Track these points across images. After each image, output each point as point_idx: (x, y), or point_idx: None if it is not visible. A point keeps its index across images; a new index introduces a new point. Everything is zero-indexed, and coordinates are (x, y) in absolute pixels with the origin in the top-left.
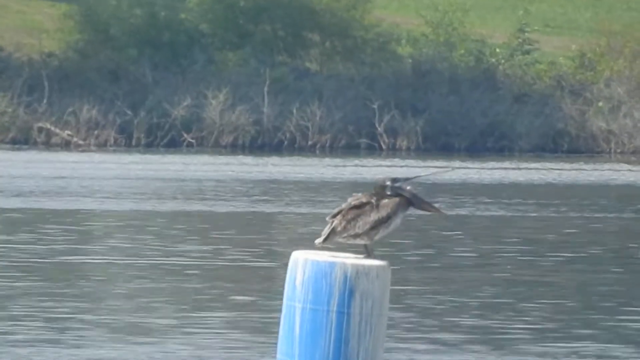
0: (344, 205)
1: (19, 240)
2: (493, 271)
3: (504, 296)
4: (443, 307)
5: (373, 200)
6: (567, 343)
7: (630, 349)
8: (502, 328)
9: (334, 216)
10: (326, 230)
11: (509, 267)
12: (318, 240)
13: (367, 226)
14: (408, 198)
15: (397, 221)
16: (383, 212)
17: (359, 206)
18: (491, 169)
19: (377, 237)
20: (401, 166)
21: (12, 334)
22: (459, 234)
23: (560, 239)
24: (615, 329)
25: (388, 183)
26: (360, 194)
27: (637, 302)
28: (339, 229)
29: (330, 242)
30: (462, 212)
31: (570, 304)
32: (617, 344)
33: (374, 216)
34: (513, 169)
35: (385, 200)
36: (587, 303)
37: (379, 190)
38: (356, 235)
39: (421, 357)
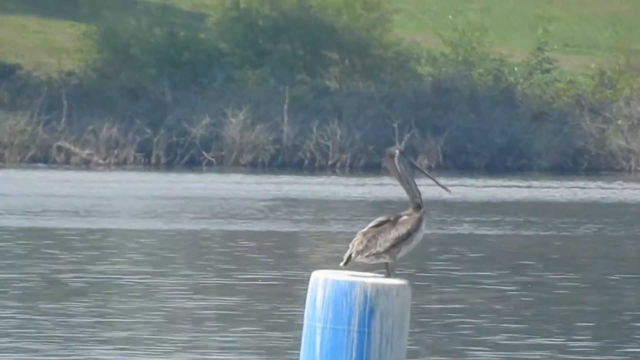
0: (363, 229)
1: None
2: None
3: (525, 314)
4: (467, 326)
5: (392, 218)
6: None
7: None
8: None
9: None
10: (348, 251)
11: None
12: (341, 264)
13: (388, 244)
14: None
15: (418, 237)
16: (403, 229)
17: (378, 225)
18: (509, 186)
19: (400, 255)
20: (420, 185)
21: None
22: (479, 254)
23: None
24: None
25: (397, 151)
26: (379, 217)
27: None
28: (360, 248)
29: (353, 264)
30: (481, 231)
31: (591, 325)
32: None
33: (394, 233)
34: (530, 187)
35: (404, 217)
36: (611, 323)
37: (388, 158)
38: (378, 254)
39: None
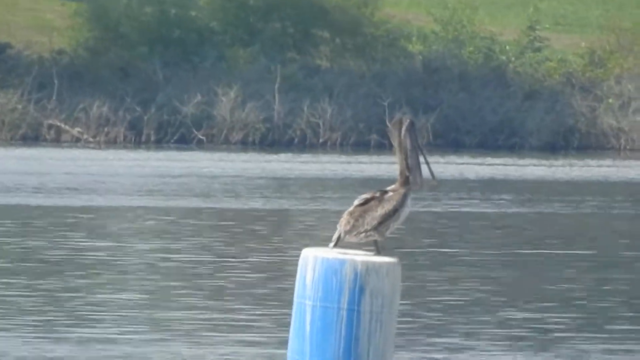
0: (349, 209)
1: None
2: (496, 268)
3: (513, 292)
4: (458, 304)
5: (378, 195)
6: (579, 342)
7: None
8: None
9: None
10: (337, 232)
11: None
12: (330, 245)
13: (375, 221)
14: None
15: (405, 212)
16: (389, 206)
17: (364, 203)
18: (500, 165)
19: (388, 232)
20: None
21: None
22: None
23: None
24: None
25: (408, 121)
26: (364, 194)
27: None
28: (347, 228)
29: (342, 244)
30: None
31: (582, 303)
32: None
33: (380, 211)
34: (522, 165)
35: (390, 194)
36: (603, 301)
37: (396, 124)
38: (366, 233)
39: (434, 354)
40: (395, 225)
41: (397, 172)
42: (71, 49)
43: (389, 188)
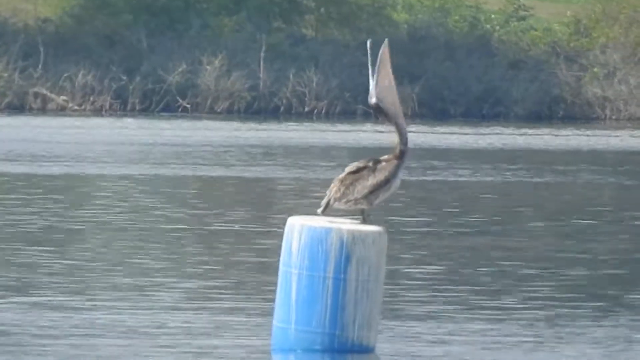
0: (340, 176)
1: (10, 204)
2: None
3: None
4: (445, 275)
5: (370, 164)
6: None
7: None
8: (499, 300)
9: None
10: (326, 198)
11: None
12: (319, 210)
13: (366, 190)
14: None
15: (396, 183)
16: (381, 176)
17: (356, 171)
18: (485, 134)
19: (377, 202)
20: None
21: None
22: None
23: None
24: (621, 299)
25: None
26: (356, 162)
27: None
28: (337, 195)
29: (330, 210)
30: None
31: (573, 273)
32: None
33: (372, 180)
34: (508, 134)
35: (383, 164)
36: (592, 273)
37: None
38: (356, 201)
39: (419, 323)
40: (385, 195)
41: (387, 144)
42: (56, 17)
43: (382, 158)
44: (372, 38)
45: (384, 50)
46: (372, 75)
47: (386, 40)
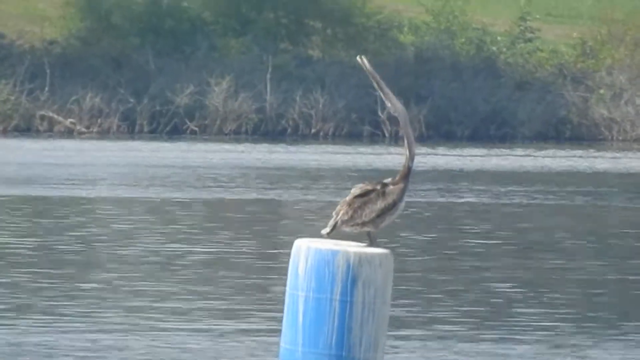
0: (347, 198)
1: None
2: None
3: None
4: (451, 296)
5: (378, 188)
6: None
7: None
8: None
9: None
10: (333, 220)
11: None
12: (324, 231)
13: (374, 214)
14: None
15: (402, 206)
16: (389, 199)
17: (364, 194)
18: (493, 155)
19: (383, 225)
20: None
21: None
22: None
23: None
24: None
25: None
26: (362, 184)
27: None
28: (345, 218)
29: (337, 232)
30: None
31: (576, 290)
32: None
33: (380, 204)
34: (514, 156)
35: (391, 187)
36: (591, 294)
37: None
38: (363, 224)
39: (426, 345)
40: (391, 218)
41: (393, 166)
42: (63, 39)
43: (387, 181)
44: (378, 59)
45: (368, 65)
46: (379, 87)
47: (359, 57)
